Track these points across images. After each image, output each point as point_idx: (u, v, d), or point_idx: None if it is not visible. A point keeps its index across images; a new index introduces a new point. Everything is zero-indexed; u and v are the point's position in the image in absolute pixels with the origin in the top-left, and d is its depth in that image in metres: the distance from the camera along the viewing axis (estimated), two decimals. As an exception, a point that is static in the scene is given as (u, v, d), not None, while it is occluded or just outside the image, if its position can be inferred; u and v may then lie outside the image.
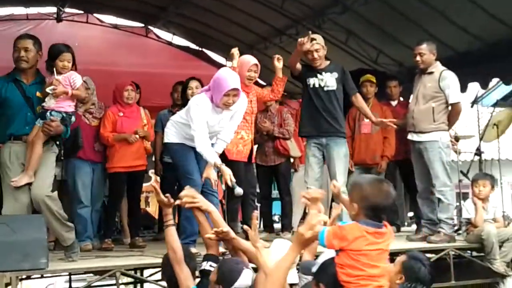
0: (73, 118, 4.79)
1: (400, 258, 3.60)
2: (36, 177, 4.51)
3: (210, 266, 3.59)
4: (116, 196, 6.15)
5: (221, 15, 9.12)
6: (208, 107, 4.77)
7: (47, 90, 4.52)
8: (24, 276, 4.44)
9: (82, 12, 9.58)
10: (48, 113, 4.55)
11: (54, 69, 4.59)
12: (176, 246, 3.60)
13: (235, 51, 5.50)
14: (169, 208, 3.75)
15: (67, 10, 9.40)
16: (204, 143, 4.71)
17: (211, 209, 3.89)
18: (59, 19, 9.29)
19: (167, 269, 3.59)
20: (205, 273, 3.60)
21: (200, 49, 10.47)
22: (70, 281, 6.34)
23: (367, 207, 2.92)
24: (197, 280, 3.66)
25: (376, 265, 2.90)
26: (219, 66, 9.49)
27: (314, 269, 3.14)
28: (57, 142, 4.72)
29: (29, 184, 4.48)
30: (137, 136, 5.99)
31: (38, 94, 4.61)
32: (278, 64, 5.58)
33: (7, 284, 4.03)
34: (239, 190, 4.46)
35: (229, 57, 5.60)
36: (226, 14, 9.06)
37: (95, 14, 9.73)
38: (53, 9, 9.39)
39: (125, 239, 6.45)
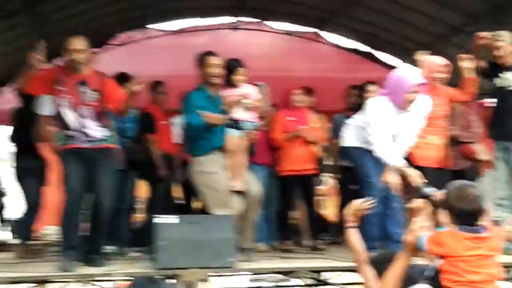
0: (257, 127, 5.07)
1: None
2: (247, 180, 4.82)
3: None
4: (288, 199, 6.30)
5: (392, 15, 8.92)
6: (387, 109, 4.72)
7: (243, 102, 4.79)
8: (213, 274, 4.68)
9: (257, 20, 9.91)
10: (244, 124, 4.85)
11: (235, 83, 4.88)
12: (359, 247, 3.57)
13: None
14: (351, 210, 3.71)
15: (243, 19, 9.77)
16: (383, 146, 4.65)
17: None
18: (236, 28, 9.68)
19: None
20: None
21: (370, 50, 10.34)
22: (256, 280, 6.61)
23: (454, 214, 3.00)
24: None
25: (477, 271, 2.89)
26: (390, 68, 9.30)
27: (427, 273, 3.15)
28: None
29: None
30: (305, 129, 6.06)
31: (224, 106, 4.93)
32: (464, 63, 5.33)
33: (200, 280, 4.30)
34: (428, 190, 4.32)
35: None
36: (398, 14, 8.84)
37: (268, 22, 10.01)
38: (230, 19, 9.82)
39: (304, 241, 6.57)
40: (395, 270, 3.11)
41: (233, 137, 4.90)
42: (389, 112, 4.73)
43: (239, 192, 4.84)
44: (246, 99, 4.87)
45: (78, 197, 4.64)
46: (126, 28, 9.43)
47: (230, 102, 4.92)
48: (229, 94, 4.96)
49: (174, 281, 4.30)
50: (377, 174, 4.92)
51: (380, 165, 4.84)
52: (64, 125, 4.64)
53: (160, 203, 6.38)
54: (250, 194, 4.88)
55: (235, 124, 4.91)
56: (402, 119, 4.78)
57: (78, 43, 4.62)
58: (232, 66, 5.03)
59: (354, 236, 3.57)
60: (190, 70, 9.05)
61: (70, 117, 4.60)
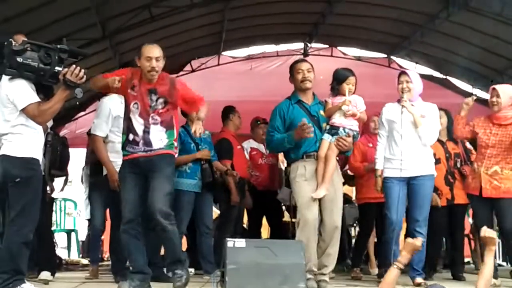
0: (358, 137, 5.04)
1: None
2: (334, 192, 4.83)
3: None
4: (366, 227, 6.22)
5: (466, 40, 8.79)
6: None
7: (343, 108, 4.76)
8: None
9: (327, 46, 9.97)
10: (341, 130, 4.79)
11: (346, 90, 4.83)
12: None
13: None
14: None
15: (314, 45, 9.86)
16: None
17: None
18: (305, 54, 9.76)
19: None
20: None
21: (444, 77, 10.17)
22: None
23: None
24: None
25: None
26: (465, 94, 9.12)
27: None
28: None
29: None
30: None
31: (321, 112, 4.88)
32: None
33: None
34: None
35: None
36: (472, 39, 8.70)
37: (339, 48, 10.06)
38: (300, 45, 9.94)
39: (371, 269, 6.49)
40: None
41: (324, 142, 4.85)
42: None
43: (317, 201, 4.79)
44: (347, 106, 4.80)
45: (137, 218, 4.40)
46: (202, 54, 9.75)
47: (330, 108, 4.89)
48: (335, 101, 4.92)
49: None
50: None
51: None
52: (129, 130, 4.50)
53: (231, 227, 6.43)
54: (335, 205, 4.85)
55: (332, 130, 4.86)
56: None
57: (156, 51, 4.48)
58: (342, 75, 4.99)
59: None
60: (260, 95, 9.19)
61: (136, 123, 4.48)
